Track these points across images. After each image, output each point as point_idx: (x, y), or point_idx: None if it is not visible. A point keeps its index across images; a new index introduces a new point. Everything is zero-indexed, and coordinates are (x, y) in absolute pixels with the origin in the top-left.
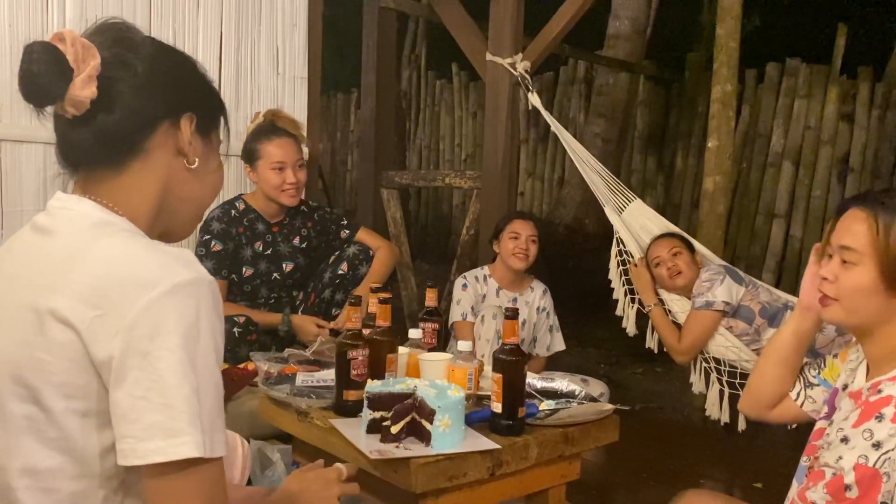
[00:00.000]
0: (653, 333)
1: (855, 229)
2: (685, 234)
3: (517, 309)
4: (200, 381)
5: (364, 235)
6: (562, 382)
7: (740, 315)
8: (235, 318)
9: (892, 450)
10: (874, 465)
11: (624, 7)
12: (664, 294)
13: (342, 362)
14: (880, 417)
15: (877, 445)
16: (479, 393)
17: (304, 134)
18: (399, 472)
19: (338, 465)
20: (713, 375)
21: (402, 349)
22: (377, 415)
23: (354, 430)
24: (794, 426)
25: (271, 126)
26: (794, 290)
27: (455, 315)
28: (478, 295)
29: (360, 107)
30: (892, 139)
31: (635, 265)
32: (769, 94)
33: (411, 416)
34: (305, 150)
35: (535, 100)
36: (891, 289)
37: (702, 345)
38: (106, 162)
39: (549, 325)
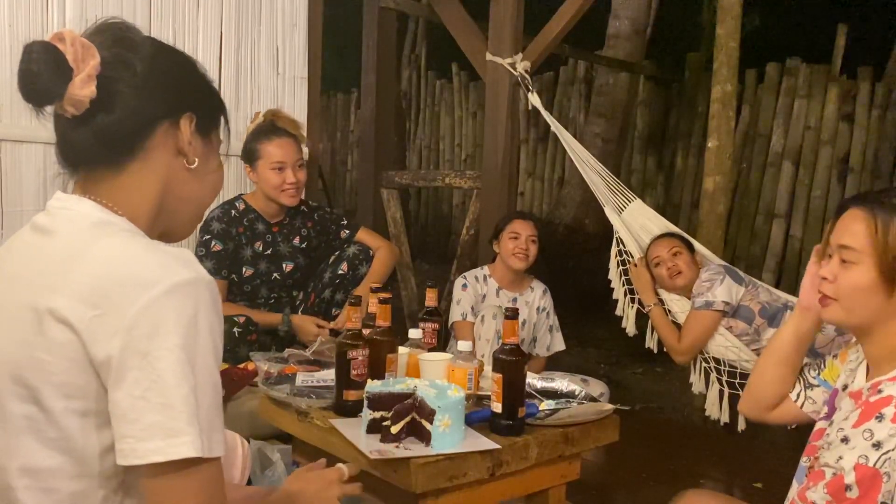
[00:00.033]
0: (652, 333)
1: (854, 229)
2: (685, 234)
3: (517, 309)
4: (199, 380)
5: (364, 235)
6: (562, 382)
7: (740, 315)
8: (235, 318)
9: (893, 450)
10: (874, 464)
11: (624, 7)
12: (664, 294)
13: (342, 362)
14: (880, 417)
15: (877, 445)
16: (479, 393)
17: (304, 134)
18: (399, 472)
19: (339, 465)
20: (713, 375)
21: (402, 349)
22: (377, 415)
23: (354, 430)
24: (793, 426)
25: (271, 126)
26: (793, 290)
27: (455, 315)
28: (478, 295)
29: (360, 107)
30: (892, 139)
31: (635, 265)
32: (769, 94)
33: (411, 416)
34: (305, 150)
35: (535, 100)
36: (890, 288)
37: (701, 345)
38: (106, 162)
39: (549, 325)
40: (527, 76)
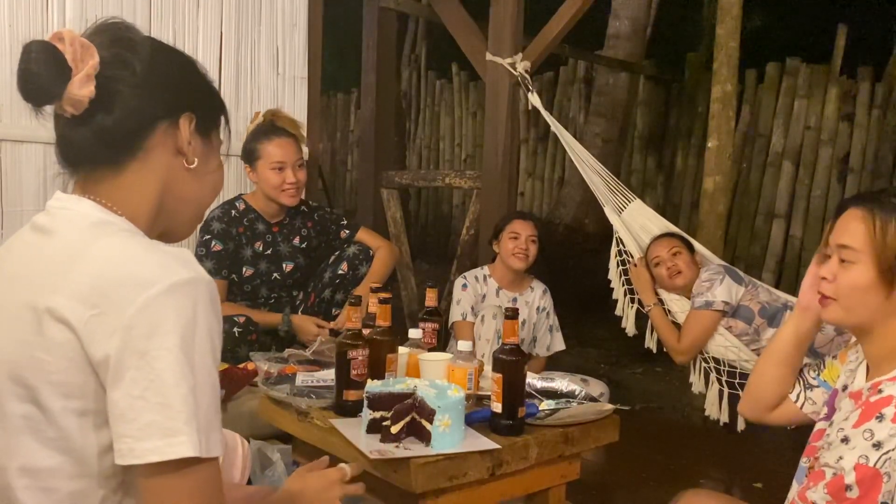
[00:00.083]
0: (652, 333)
1: (853, 228)
2: (685, 234)
3: (517, 309)
4: (198, 380)
5: (364, 235)
6: (562, 382)
7: (740, 315)
8: (235, 318)
9: (893, 450)
10: (875, 465)
11: (624, 7)
12: (664, 294)
13: (342, 362)
14: (881, 417)
15: (877, 445)
16: (479, 393)
17: (304, 134)
18: (399, 472)
19: (342, 465)
20: (713, 375)
21: (402, 349)
22: (377, 415)
23: (354, 430)
24: (793, 427)
25: (271, 126)
26: (793, 290)
27: (455, 315)
28: (478, 295)
29: (360, 107)
30: (892, 139)
31: (635, 265)
32: (769, 94)
33: (411, 416)
34: (305, 149)
35: (535, 100)
36: (889, 287)
37: (701, 345)
38: (105, 161)
39: (549, 325)
40: (527, 76)
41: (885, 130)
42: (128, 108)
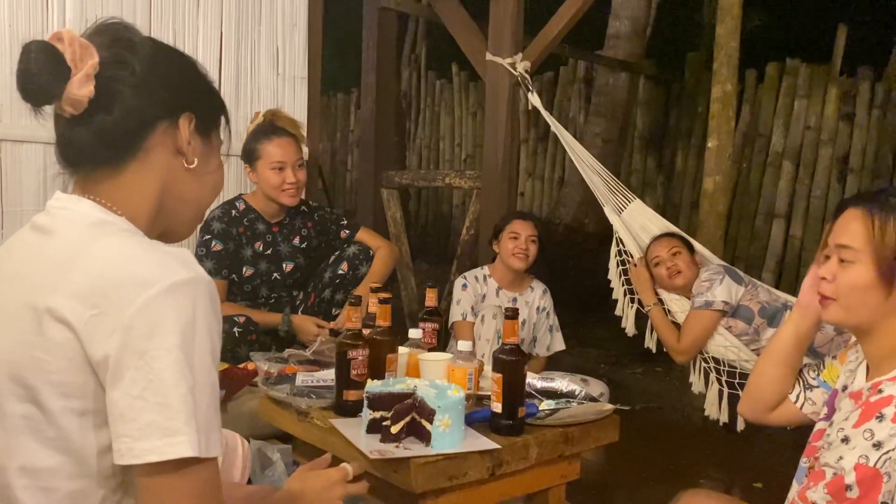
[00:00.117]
0: (652, 333)
1: (851, 228)
2: (685, 235)
3: (517, 309)
4: (197, 380)
5: (364, 235)
6: (562, 382)
7: (739, 315)
8: (235, 318)
9: (893, 450)
10: (875, 465)
11: (624, 7)
12: (663, 294)
13: (342, 362)
14: (881, 417)
15: (877, 445)
16: (479, 393)
17: (304, 134)
18: (399, 472)
19: (344, 465)
20: (712, 375)
21: (402, 349)
22: (377, 415)
23: (354, 430)
24: (793, 427)
25: (271, 126)
26: (793, 290)
27: (455, 315)
28: (478, 295)
29: (360, 107)
30: (892, 139)
31: (635, 265)
32: (769, 94)
33: (411, 416)
34: (305, 149)
35: (535, 100)
36: (888, 286)
37: (701, 344)
38: (105, 161)
39: (549, 325)
40: (527, 76)
41: (885, 130)
42: (127, 108)
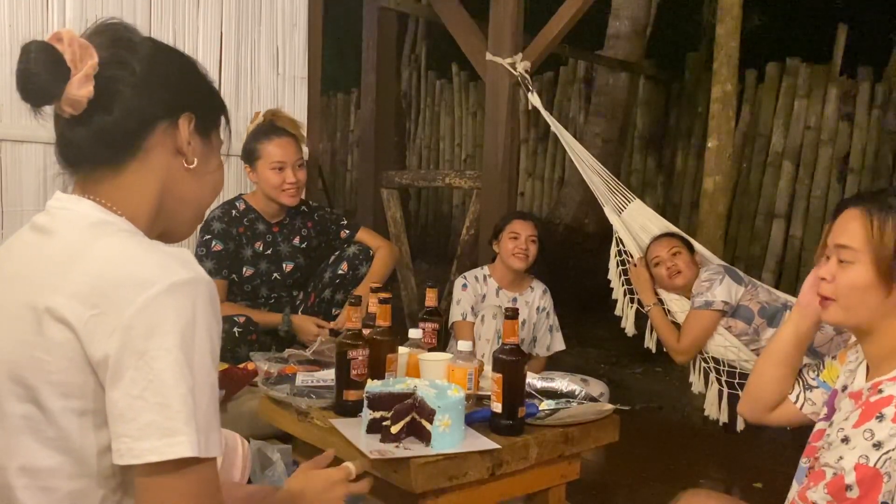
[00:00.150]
0: (652, 333)
1: (850, 228)
2: (685, 235)
3: (517, 309)
4: (197, 380)
5: (364, 235)
6: (562, 382)
7: (739, 315)
8: (235, 318)
9: (893, 450)
10: (875, 465)
11: (624, 7)
12: (663, 294)
13: (342, 362)
14: (881, 417)
15: (877, 445)
16: (479, 393)
17: (304, 134)
18: (399, 472)
19: (346, 464)
20: (712, 375)
21: (402, 349)
22: (377, 415)
23: (354, 430)
24: (793, 427)
25: (271, 126)
26: (793, 290)
27: (455, 315)
28: (478, 295)
29: (360, 107)
30: (892, 139)
31: (635, 265)
32: (769, 94)
33: (411, 416)
34: (305, 149)
35: (535, 100)
36: (888, 286)
37: (701, 344)
38: (105, 162)
39: (549, 325)
40: (527, 76)
41: (885, 130)
42: (127, 109)
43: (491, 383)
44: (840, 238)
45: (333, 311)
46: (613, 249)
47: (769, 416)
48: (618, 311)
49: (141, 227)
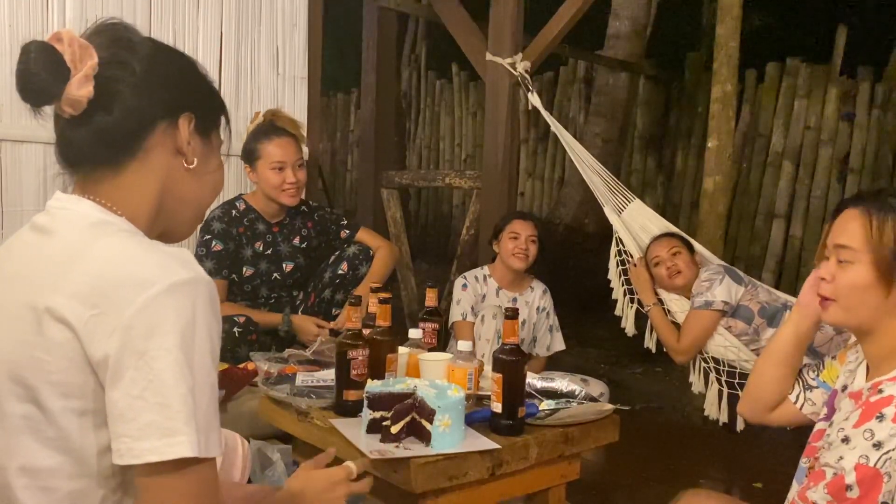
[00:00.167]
0: (651, 333)
1: (849, 228)
2: (684, 235)
3: (517, 309)
4: (196, 380)
5: (364, 235)
6: (562, 382)
7: (739, 315)
8: (235, 318)
9: (893, 450)
10: (875, 465)
11: (624, 7)
12: (663, 294)
13: (342, 362)
14: (881, 417)
15: (878, 445)
16: (479, 393)
17: (304, 134)
18: (399, 472)
19: (347, 463)
20: (712, 375)
21: (402, 349)
22: (377, 415)
23: (354, 430)
24: (793, 427)
25: (271, 126)
26: (793, 291)
27: (455, 315)
28: (478, 295)
29: (360, 107)
30: (892, 139)
31: (634, 265)
32: (769, 94)
33: (411, 416)
34: (305, 149)
35: (535, 100)
36: (887, 285)
37: (701, 344)
38: (104, 162)
39: (549, 325)
40: (527, 76)
41: (885, 130)
42: (127, 109)
43: (491, 383)
44: (839, 238)
45: (333, 311)
46: (613, 249)
47: (769, 417)
48: (618, 311)
49: (141, 227)
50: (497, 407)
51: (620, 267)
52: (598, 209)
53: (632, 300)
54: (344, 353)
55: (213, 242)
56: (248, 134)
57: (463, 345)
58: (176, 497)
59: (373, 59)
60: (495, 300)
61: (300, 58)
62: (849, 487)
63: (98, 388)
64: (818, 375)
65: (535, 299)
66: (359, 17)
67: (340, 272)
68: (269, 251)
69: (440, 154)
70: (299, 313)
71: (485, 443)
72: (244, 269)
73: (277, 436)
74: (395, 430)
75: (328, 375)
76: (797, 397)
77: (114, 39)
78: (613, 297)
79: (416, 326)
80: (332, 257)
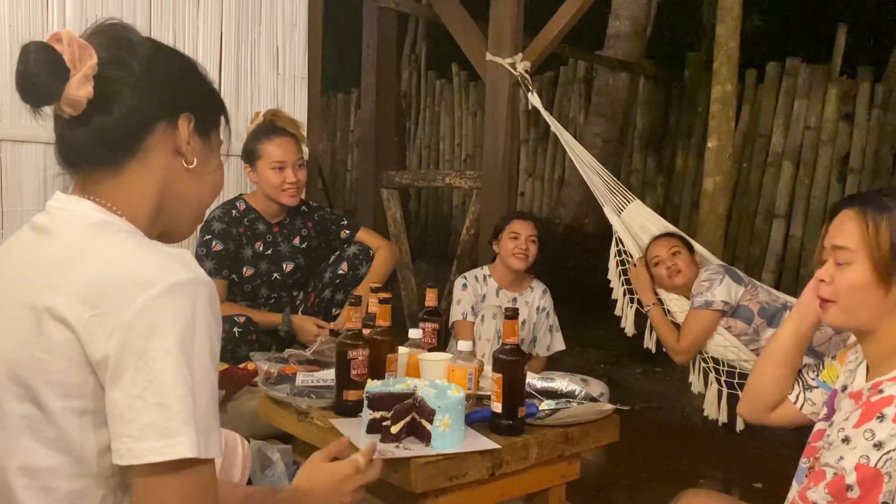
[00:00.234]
0: (651, 333)
1: (846, 229)
2: (684, 235)
3: (517, 309)
4: (196, 381)
5: (364, 235)
6: (562, 382)
7: (739, 315)
8: (236, 318)
9: (893, 450)
10: (875, 465)
11: (624, 7)
12: (663, 294)
13: (342, 362)
14: (881, 417)
15: (878, 445)
16: (479, 393)
17: (304, 134)
18: (399, 472)
19: (355, 456)
20: (712, 375)
21: (402, 349)
22: (377, 415)
23: (354, 430)
24: (793, 427)
25: (271, 126)
26: (793, 290)
27: (455, 315)
28: (478, 295)
29: (360, 107)
30: (892, 139)
31: (634, 265)
32: (769, 94)
33: (411, 416)
34: (305, 149)
35: (535, 100)
36: (886, 285)
37: (701, 344)
38: (104, 162)
39: (549, 325)
40: (527, 76)
41: (885, 130)
42: (126, 109)
43: (491, 383)
44: (836, 239)
45: (333, 311)
46: (613, 249)
47: (769, 417)
48: (618, 311)
49: (141, 227)
50: (497, 407)
51: (620, 267)
52: (598, 209)
53: (631, 300)
54: (344, 353)
55: (214, 242)
56: (248, 134)
57: (463, 345)
58: (175, 497)
59: (373, 59)
60: (495, 300)
61: (300, 58)
62: (849, 487)
63: (98, 388)
64: (818, 375)
65: (535, 299)
66: (359, 17)
67: (340, 272)
68: (269, 251)
69: (440, 154)
70: (299, 313)
71: (485, 443)
72: (244, 269)
73: (277, 436)
74: (395, 430)
75: (328, 375)
76: (797, 397)
77: (113, 40)
78: (613, 297)
79: (416, 326)
80: (332, 257)
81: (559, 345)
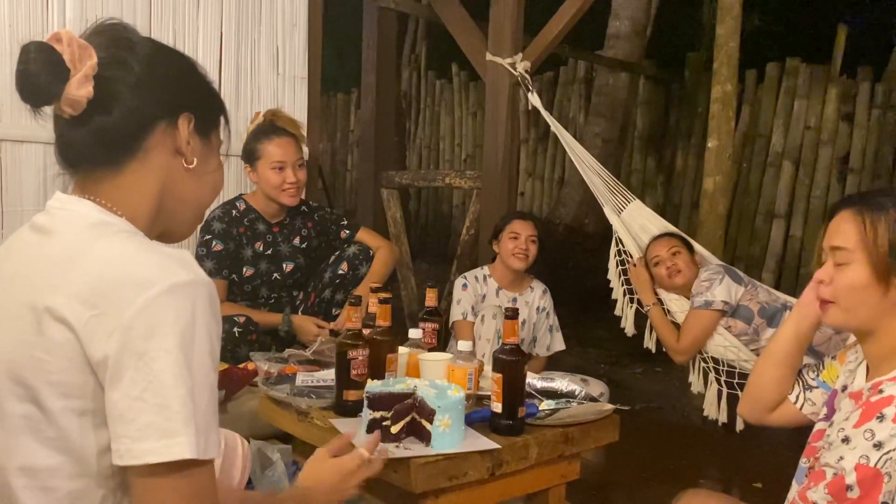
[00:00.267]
0: (651, 333)
1: (844, 229)
2: (684, 235)
3: (517, 309)
4: (196, 381)
5: (364, 235)
6: (562, 382)
7: (739, 315)
8: (236, 318)
9: (893, 450)
10: (875, 465)
11: (624, 7)
12: (663, 294)
13: (342, 362)
14: (881, 417)
15: (878, 446)
16: (479, 393)
17: (304, 134)
18: (399, 472)
19: (358, 450)
20: (712, 375)
21: (402, 349)
22: (377, 415)
23: (354, 430)
24: (793, 427)
25: (271, 126)
26: (793, 291)
27: (455, 315)
28: (478, 295)
29: (360, 107)
30: (892, 139)
31: (634, 265)
32: (769, 94)
33: (411, 416)
34: (305, 149)
35: (535, 100)
36: (885, 285)
37: (700, 344)
38: (104, 162)
39: (549, 325)
40: (527, 76)
41: (885, 130)
42: (126, 109)
43: (491, 383)
44: (834, 240)
45: (333, 311)
46: (613, 249)
47: (769, 417)
48: (617, 311)
49: (141, 227)
50: (497, 407)
51: (620, 267)
52: (598, 209)
53: (631, 300)
54: (344, 353)
55: (214, 242)
56: (248, 134)
57: (463, 345)
58: (174, 498)
59: (373, 59)
60: (495, 300)
61: (300, 58)
62: (849, 487)
63: (98, 388)
64: (818, 375)
65: (535, 299)
66: (359, 17)
67: (340, 272)
68: (269, 251)
69: (440, 154)
70: (299, 313)
71: (485, 443)
72: (244, 269)
73: (277, 436)
74: (395, 430)
75: (328, 375)
76: (797, 397)
77: (113, 40)
78: (613, 297)
79: (416, 326)
80: (332, 257)
81: (559, 345)
